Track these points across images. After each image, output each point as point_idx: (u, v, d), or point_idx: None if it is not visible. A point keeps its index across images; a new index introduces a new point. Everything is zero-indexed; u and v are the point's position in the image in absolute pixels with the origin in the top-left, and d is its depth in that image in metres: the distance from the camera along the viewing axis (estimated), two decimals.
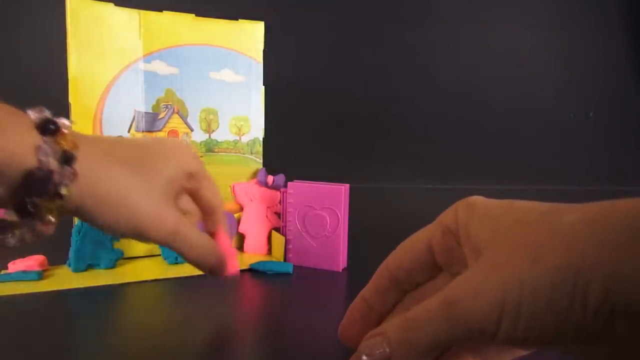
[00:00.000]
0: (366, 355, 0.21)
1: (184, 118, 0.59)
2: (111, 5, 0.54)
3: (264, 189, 0.62)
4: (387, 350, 0.20)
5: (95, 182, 0.27)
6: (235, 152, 0.63)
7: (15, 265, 0.50)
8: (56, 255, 0.52)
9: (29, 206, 0.25)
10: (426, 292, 0.25)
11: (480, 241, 0.21)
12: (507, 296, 0.17)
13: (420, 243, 0.24)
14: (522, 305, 0.17)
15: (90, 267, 0.53)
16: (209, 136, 0.61)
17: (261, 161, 0.65)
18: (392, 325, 0.21)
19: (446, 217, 0.23)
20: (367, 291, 0.26)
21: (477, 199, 0.22)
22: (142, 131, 0.57)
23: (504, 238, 0.20)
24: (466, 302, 0.18)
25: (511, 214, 0.20)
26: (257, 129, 0.64)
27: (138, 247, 0.58)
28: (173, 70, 0.58)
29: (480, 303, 0.18)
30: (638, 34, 1.00)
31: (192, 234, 0.33)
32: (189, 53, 0.59)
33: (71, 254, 0.52)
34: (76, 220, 0.53)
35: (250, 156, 0.64)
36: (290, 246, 0.58)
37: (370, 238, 0.70)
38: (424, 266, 0.24)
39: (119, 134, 0.56)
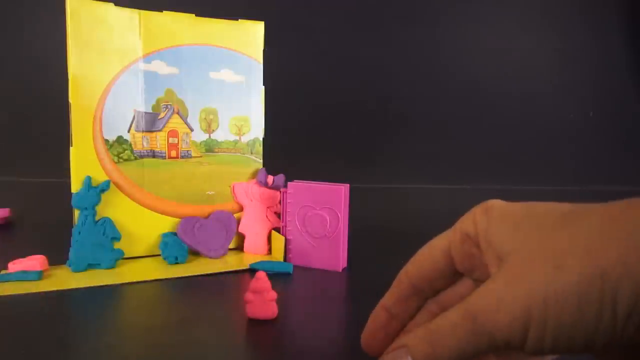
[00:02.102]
0: None
1: (184, 118, 0.59)
2: (111, 5, 0.54)
3: (264, 189, 0.62)
4: None
5: None
6: (235, 152, 0.63)
7: (15, 265, 0.50)
8: (56, 255, 0.52)
9: None
10: (449, 297, 0.24)
11: (501, 248, 0.20)
12: (532, 307, 0.17)
13: (439, 251, 0.23)
14: (548, 316, 0.16)
15: (90, 267, 0.53)
16: (209, 136, 0.61)
17: (261, 161, 0.65)
18: (416, 337, 0.20)
19: (464, 223, 0.22)
20: (387, 300, 0.25)
21: (495, 203, 0.22)
22: (142, 131, 0.57)
23: (524, 244, 0.19)
24: (489, 314, 0.18)
25: (531, 219, 0.20)
26: (257, 129, 0.64)
27: (138, 247, 0.58)
28: (173, 70, 0.58)
29: (504, 315, 0.17)
30: (638, 34, 1.00)
31: None
32: (189, 53, 0.59)
33: (71, 254, 0.52)
34: (76, 220, 0.53)
35: (250, 156, 0.64)
36: (290, 246, 0.58)
37: (370, 238, 0.70)
38: (444, 274, 0.24)
39: (119, 134, 0.56)
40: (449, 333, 0.19)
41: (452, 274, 0.23)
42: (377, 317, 0.25)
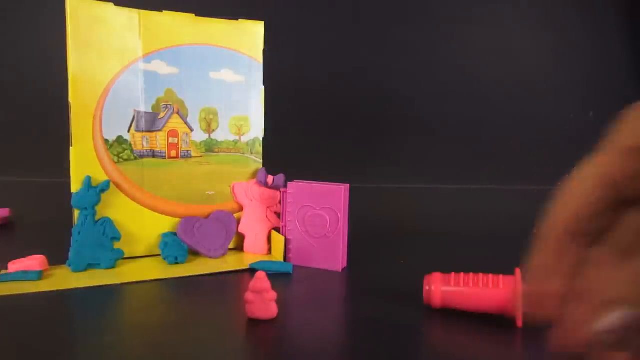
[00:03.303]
0: (605, 333, 0.16)
1: (184, 118, 0.59)
2: (111, 5, 0.54)
3: (264, 189, 0.62)
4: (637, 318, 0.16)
5: None
6: (235, 152, 0.63)
7: (15, 265, 0.50)
8: (56, 255, 0.52)
9: None
10: (624, 237, 0.19)
11: None
12: None
13: (597, 179, 0.20)
14: None
15: (90, 267, 0.53)
16: (209, 136, 0.61)
17: (261, 161, 0.65)
18: (621, 286, 0.16)
19: (622, 137, 0.19)
20: (544, 259, 0.20)
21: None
22: (142, 131, 0.57)
23: None
24: None
25: None
26: (257, 129, 0.64)
27: (138, 247, 0.58)
28: (173, 70, 0.58)
29: None
30: (638, 33, 1.00)
31: None
32: (189, 53, 0.59)
33: (71, 254, 0.52)
34: (76, 220, 0.53)
35: (250, 156, 0.64)
36: (290, 246, 0.58)
37: (370, 238, 0.70)
38: (609, 206, 0.19)
39: (119, 134, 0.56)
40: None
41: (616, 205, 0.19)
42: (539, 281, 0.21)
